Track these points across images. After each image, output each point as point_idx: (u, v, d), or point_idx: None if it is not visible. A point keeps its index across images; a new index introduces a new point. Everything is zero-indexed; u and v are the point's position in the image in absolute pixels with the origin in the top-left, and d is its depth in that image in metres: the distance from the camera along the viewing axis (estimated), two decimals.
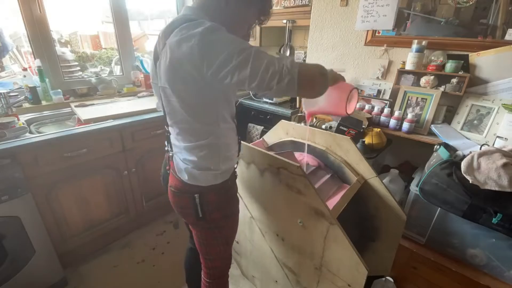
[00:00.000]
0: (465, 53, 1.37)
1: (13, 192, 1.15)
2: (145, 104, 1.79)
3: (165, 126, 0.84)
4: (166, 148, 0.91)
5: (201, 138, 0.76)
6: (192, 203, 0.82)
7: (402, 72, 1.54)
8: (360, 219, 1.23)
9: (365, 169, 1.11)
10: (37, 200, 1.26)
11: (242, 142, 1.05)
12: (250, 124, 2.24)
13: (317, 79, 0.67)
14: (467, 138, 1.34)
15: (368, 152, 1.41)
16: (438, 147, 1.27)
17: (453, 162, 1.16)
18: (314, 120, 1.83)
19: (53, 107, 1.68)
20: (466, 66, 1.37)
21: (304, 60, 2.22)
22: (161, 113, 0.95)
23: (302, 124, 1.35)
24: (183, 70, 0.66)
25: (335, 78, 0.77)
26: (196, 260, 1.11)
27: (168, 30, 0.68)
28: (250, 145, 1.07)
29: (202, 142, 0.77)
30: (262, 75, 0.62)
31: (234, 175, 0.91)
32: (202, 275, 1.00)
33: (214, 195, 0.83)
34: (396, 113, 1.47)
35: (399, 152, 1.73)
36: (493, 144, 1.25)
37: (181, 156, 0.81)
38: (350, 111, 0.83)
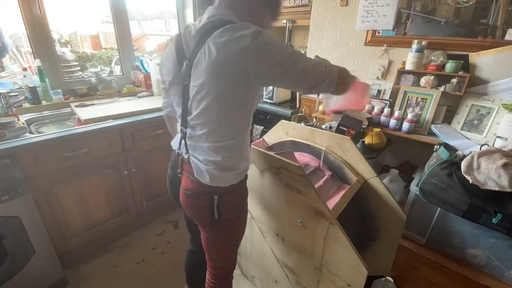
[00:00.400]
0: (465, 53, 1.37)
1: (13, 192, 1.15)
2: (145, 104, 1.79)
3: (182, 127, 0.82)
4: (177, 151, 0.87)
5: (229, 138, 0.77)
6: (210, 205, 0.81)
7: (402, 72, 1.54)
8: (360, 219, 1.23)
9: (365, 169, 1.11)
10: (37, 200, 1.26)
11: None
12: None
13: (348, 79, 0.82)
14: (467, 138, 1.34)
15: (368, 152, 1.41)
16: (438, 147, 1.27)
17: (453, 162, 1.16)
18: (314, 120, 1.83)
19: (53, 107, 1.68)
20: (466, 66, 1.37)
21: None
22: (161, 113, 0.95)
23: (302, 123, 1.35)
24: (229, 70, 0.67)
25: (354, 78, 0.86)
26: (197, 262, 1.11)
27: (205, 30, 0.69)
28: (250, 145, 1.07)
29: (230, 142, 0.77)
30: (311, 75, 0.72)
31: (247, 176, 0.91)
32: (207, 276, 0.99)
33: (231, 195, 0.83)
34: (396, 113, 1.47)
35: (399, 152, 1.73)
36: (493, 144, 1.25)
37: (200, 157, 0.79)
38: (366, 105, 0.99)
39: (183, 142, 0.83)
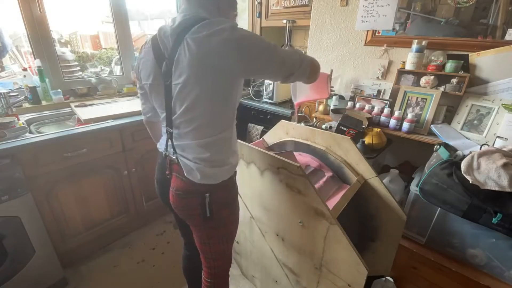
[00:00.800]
0: (465, 53, 1.37)
1: (13, 192, 1.15)
2: None
3: (167, 127, 0.81)
4: (164, 153, 0.86)
5: (217, 132, 0.77)
6: (201, 203, 0.81)
7: (402, 72, 1.54)
8: (360, 219, 1.23)
9: (365, 169, 1.11)
10: (37, 200, 1.26)
11: (242, 142, 1.06)
12: (250, 124, 2.24)
13: (318, 67, 0.88)
14: (467, 138, 1.34)
15: (368, 152, 1.41)
16: (438, 147, 1.27)
17: (453, 162, 1.16)
18: (314, 120, 1.83)
19: (53, 107, 1.68)
20: (466, 66, 1.37)
21: None
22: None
23: (302, 123, 1.35)
24: (211, 63, 0.68)
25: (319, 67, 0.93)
26: (195, 266, 1.11)
27: (182, 28, 0.70)
28: (250, 145, 1.07)
29: (218, 136, 0.78)
30: (289, 62, 0.77)
31: (236, 172, 0.91)
32: (203, 276, 0.99)
33: (222, 191, 0.84)
34: (396, 113, 1.47)
35: (399, 152, 1.73)
36: (493, 144, 1.25)
37: (189, 155, 0.79)
38: (328, 93, 1.14)
39: (169, 142, 0.83)
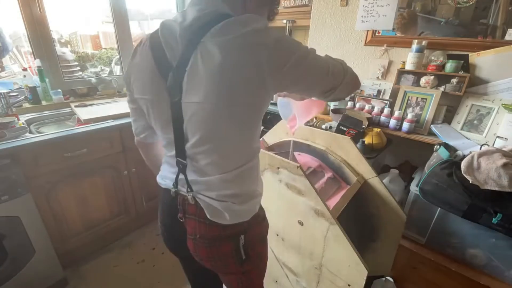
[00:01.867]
0: (465, 53, 1.37)
1: (13, 192, 1.15)
2: None
3: (178, 158, 0.62)
4: (173, 189, 0.66)
5: (244, 161, 0.62)
6: (235, 248, 0.65)
7: (402, 72, 1.54)
8: (360, 219, 1.23)
9: (365, 169, 1.11)
10: (37, 200, 1.26)
11: None
12: None
13: (359, 80, 0.71)
14: (467, 138, 1.34)
15: (368, 152, 1.40)
16: (438, 147, 1.27)
17: (453, 162, 1.16)
18: (314, 120, 1.83)
19: (53, 107, 1.68)
20: (466, 66, 1.37)
21: None
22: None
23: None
24: (242, 76, 0.51)
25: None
26: None
27: (197, 27, 0.52)
28: None
29: (247, 166, 0.62)
30: (332, 73, 0.59)
31: None
32: None
33: (257, 226, 0.69)
34: (396, 113, 1.47)
35: (399, 152, 1.73)
36: (493, 144, 1.25)
37: (212, 193, 0.61)
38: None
39: (181, 176, 0.63)
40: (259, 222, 0.70)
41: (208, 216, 0.62)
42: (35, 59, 1.63)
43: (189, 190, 0.63)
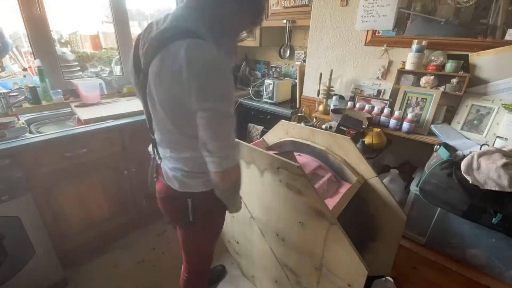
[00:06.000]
0: (465, 53, 1.37)
1: (13, 192, 1.15)
2: None
3: (150, 133, 0.83)
4: (152, 155, 0.89)
5: (185, 150, 0.75)
6: (184, 209, 0.81)
7: (402, 72, 1.54)
8: (360, 219, 1.23)
9: (365, 169, 1.11)
10: (37, 200, 1.26)
11: (242, 142, 1.05)
12: (250, 124, 2.24)
13: (238, 181, 0.77)
14: (467, 138, 1.34)
15: (368, 152, 1.41)
16: (438, 147, 1.27)
17: (453, 162, 1.16)
18: (314, 120, 1.83)
19: (53, 107, 1.68)
20: (466, 66, 1.37)
21: (304, 60, 2.22)
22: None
23: (302, 123, 1.35)
24: (169, 82, 0.63)
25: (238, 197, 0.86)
26: None
27: (165, 37, 0.63)
28: (250, 145, 1.07)
29: (187, 155, 0.75)
30: (218, 141, 0.64)
31: None
32: (183, 270, 1.03)
33: (204, 200, 0.82)
34: (396, 113, 1.47)
35: (399, 152, 1.73)
36: (493, 144, 1.25)
37: (169, 164, 0.79)
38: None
39: (155, 148, 0.84)
40: (205, 198, 0.81)
41: (166, 180, 0.81)
42: (35, 59, 1.63)
43: (159, 158, 0.84)
